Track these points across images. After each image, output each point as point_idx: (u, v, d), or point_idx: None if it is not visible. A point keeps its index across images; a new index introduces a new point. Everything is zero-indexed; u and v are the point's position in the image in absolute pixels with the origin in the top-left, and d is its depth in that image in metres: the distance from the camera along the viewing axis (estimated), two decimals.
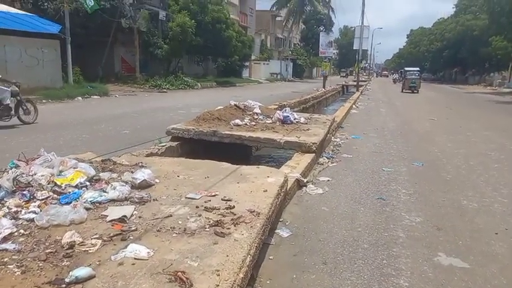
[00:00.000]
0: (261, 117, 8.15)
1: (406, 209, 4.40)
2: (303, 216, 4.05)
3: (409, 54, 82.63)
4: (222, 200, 3.29)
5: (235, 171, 4.21)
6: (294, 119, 8.24)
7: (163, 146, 6.44)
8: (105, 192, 3.29)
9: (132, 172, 3.84)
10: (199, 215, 2.93)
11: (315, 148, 6.16)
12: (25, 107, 9.09)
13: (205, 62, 35.37)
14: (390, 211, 4.31)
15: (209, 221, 2.82)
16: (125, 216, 2.82)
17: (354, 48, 29.14)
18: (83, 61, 23.66)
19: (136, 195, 3.22)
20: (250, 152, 8.74)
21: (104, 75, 24.31)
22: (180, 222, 2.81)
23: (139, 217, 2.89)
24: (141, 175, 3.53)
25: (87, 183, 3.41)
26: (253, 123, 7.51)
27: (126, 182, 3.56)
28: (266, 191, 3.55)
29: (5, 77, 9.50)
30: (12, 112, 8.71)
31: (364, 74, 62.50)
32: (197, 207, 3.11)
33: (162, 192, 3.45)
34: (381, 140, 8.89)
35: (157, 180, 3.75)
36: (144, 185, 3.53)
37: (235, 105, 8.31)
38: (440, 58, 63.96)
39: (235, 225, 2.77)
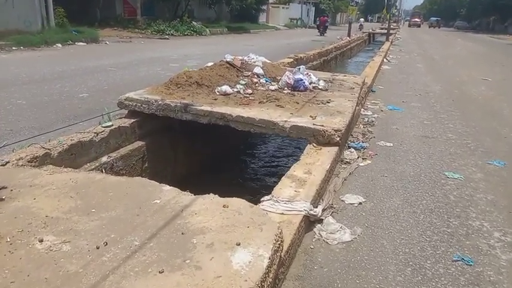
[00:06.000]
0: (263, 80, 5.78)
1: None
2: None
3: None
4: None
5: (174, 222, 2.02)
6: (310, 83, 5.85)
7: (107, 126, 4.25)
8: None
9: None
10: None
11: (338, 138, 3.88)
12: None
13: (218, 5, 31.89)
14: None
15: None
16: None
17: None
18: (82, 1, 21.06)
19: None
20: None
21: (102, 18, 21.84)
22: None
23: None
24: None
25: None
26: (250, 90, 5.18)
27: None
28: None
29: None
30: None
31: (393, 21, 56.53)
32: None
33: None
34: (429, 113, 6.47)
35: None
36: None
37: (227, 62, 5.90)
38: (478, 4, 57.73)
39: None
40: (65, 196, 2.26)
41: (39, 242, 1.81)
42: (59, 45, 12.84)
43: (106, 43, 15.04)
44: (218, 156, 6.00)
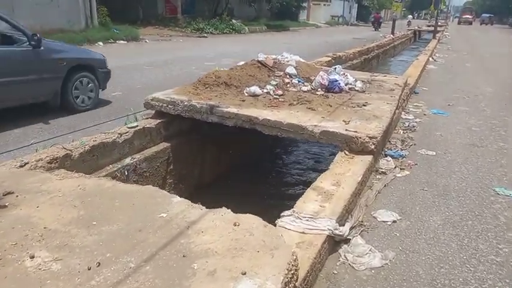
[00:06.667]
0: (295, 80, 5.50)
1: None
2: None
3: None
4: None
5: (177, 241, 1.82)
6: (346, 84, 5.50)
7: (132, 127, 4.16)
8: None
9: None
10: None
11: (373, 146, 3.54)
12: None
13: (258, 3, 31.71)
14: None
15: None
16: None
17: None
18: (125, 0, 21.58)
19: None
20: None
21: (144, 17, 22.34)
22: None
23: None
24: None
25: None
26: (280, 91, 4.92)
27: None
28: None
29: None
30: None
31: (441, 18, 53.45)
32: None
33: None
34: (478, 119, 5.90)
35: None
36: None
37: (259, 61, 5.68)
38: None
39: None
40: (69, 205, 2.14)
41: (30, 258, 1.67)
42: (101, 43, 13.17)
43: (146, 41, 15.29)
44: (246, 161, 5.79)
